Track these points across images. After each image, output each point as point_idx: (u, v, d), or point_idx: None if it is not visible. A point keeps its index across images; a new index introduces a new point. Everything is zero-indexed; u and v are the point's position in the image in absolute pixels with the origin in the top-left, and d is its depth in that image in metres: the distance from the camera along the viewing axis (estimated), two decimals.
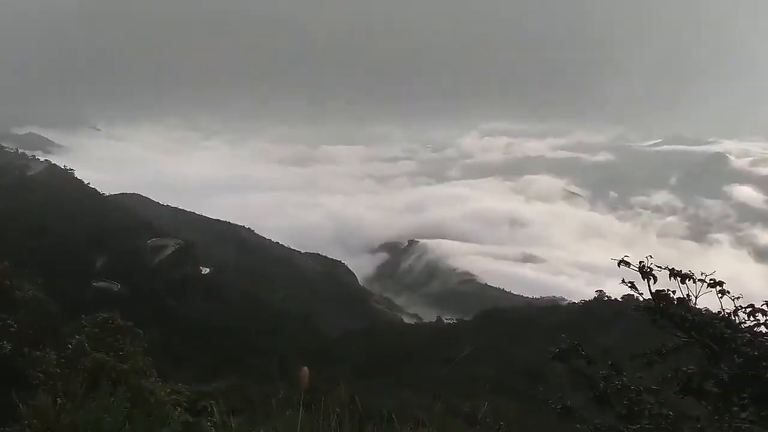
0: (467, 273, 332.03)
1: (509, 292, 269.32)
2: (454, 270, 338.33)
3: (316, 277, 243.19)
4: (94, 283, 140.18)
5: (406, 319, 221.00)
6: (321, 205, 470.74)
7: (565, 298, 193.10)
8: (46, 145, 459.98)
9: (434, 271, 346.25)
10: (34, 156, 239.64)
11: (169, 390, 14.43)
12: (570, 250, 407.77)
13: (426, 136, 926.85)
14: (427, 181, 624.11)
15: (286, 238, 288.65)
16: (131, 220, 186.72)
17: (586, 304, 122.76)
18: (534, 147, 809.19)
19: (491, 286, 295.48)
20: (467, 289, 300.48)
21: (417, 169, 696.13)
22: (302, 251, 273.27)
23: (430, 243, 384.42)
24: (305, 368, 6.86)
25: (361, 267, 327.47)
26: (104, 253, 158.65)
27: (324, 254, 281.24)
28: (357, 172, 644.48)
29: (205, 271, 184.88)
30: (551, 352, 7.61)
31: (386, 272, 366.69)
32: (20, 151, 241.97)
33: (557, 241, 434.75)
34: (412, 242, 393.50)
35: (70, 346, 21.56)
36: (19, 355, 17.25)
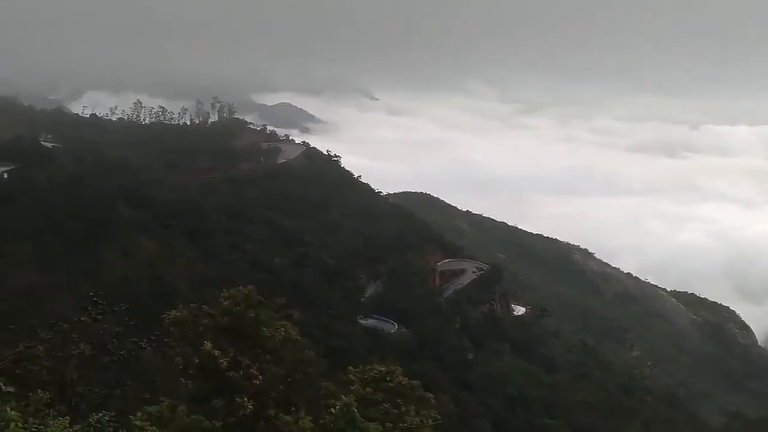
0: None
1: None
2: None
3: (688, 331, 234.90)
4: (362, 320, 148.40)
5: None
6: (700, 218, 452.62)
7: None
8: (304, 119, 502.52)
9: None
10: (287, 135, 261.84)
11: None
12: None
13: None
14: None
15: (642, 268, 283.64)
16: (416, 230, 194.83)
17: None
18: None
19: None
20: None
21: None
22: (668, 289, 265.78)
23: None
24: None
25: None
26: (376, 276, 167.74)
27: (702, 295, 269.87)
28: (765, 168, 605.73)
29: (519, 311, 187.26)
30: None
31: None
32: (269, 128, 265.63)
33: None
34: None
35: (333, 410, 22.61)
36: (262, 418, 18.29)
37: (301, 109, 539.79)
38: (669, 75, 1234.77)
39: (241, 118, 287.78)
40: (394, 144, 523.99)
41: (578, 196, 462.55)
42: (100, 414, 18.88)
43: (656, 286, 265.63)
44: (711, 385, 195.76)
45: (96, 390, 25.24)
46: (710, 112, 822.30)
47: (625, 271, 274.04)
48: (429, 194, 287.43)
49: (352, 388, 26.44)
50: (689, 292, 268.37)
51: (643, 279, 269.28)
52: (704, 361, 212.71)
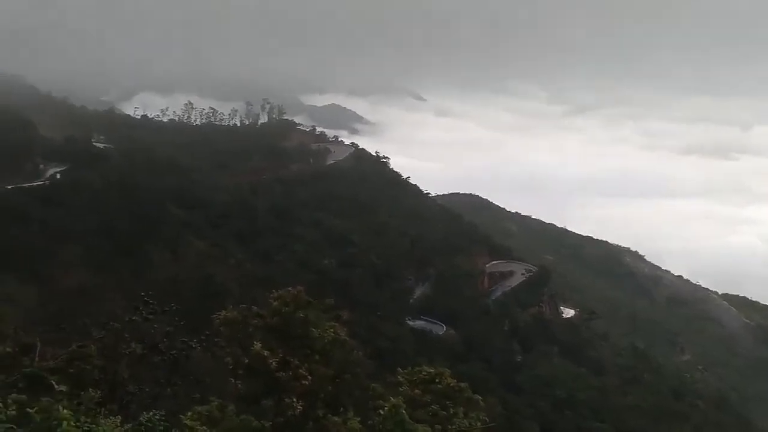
0: None
1: None
2: None
3: (740, 335, 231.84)
4: (411, 322, 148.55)
5: None
6: (752, 220, 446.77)
7: None
8: (352, 120, 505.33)
9: None
10: (336, 137, 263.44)
11: None
12: None
13: None
14: None
15: (693, 271, 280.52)
16: (464, 232, 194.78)
17: None
18: None
19: None
20: None
21: None
22: (719, 292, 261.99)
23: None
24: None
25: None
26: (424, 278, 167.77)
27: (754, 298, 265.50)
28: None
29: (568, 313, 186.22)
30: None
31: None
32: (318, 129, 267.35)
33: None
34: None
35: (381, 411, 22.61)
36: (311, 418, 18.29)
37: (349, 110, 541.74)
38: (720, 76, 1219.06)
39: (290, 119, 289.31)
40: (442, 145, 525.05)
41: (628, 198, 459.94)
42: (151, 413, 19.05)
43: (707, 289, 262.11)
44: (764, 390, 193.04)
45: (147, 389, 25.49)
46: (762, 113, 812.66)
47: (675, 274, 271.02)
48: (477, 195, 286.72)
49: (400, 389, 26.45)
50: (741, 295, 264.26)
51: (693, 282, 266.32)
52: (757, 365, 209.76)
